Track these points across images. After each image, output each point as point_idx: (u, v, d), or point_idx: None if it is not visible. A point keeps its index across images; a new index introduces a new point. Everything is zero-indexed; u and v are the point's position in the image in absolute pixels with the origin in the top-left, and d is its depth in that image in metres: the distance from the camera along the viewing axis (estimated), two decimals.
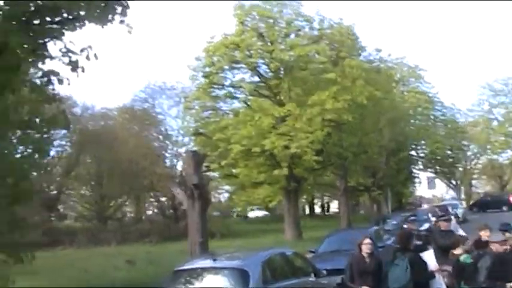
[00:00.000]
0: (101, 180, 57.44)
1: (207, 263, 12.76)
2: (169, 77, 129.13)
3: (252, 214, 76.71)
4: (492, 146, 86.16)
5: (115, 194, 59.02)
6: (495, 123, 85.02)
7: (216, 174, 42.93)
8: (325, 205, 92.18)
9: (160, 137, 63.62)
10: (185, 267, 13.22)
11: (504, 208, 59.55)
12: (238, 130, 35.69)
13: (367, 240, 12.42)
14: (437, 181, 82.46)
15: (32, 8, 13.53)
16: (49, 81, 15.03)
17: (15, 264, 14.34)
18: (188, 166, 27.91)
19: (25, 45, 13.06)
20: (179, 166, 61.37)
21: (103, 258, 32.08)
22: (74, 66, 15.58)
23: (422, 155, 72.25)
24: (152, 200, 66.26)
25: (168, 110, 63.23)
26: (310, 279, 13.77)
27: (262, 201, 46.38)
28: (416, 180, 74.74)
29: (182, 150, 60.40)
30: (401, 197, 69.67)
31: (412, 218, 17.77)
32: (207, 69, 38.18)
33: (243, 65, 38.20)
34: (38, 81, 15.03)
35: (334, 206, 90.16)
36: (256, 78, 38.97)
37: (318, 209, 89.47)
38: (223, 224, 51.20)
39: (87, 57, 13.59)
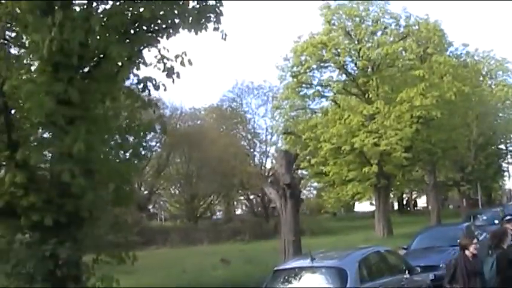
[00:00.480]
0: (191, 180, 58.50)
1: (305, 262, 13.24)
2: (257, 76, 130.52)
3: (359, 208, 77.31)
4: None
5: (205, 193, 60.00)
6: None
7: (305, 172, 43.58)
8: (413, 201, 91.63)
9: (249, 135, 64.49)
10: (284, 266, 13.89)
11: None
12: (327, 128, 36.19)
13: (475, 241, 12.08)
14: None
15: (129, 18, 14.41)
16: (145, 88, 15.84)
17: (118, 265, 15.06)
18: (280, 166, 28.57)
19: (123, 54, 13.90)
20: (268, 164, 62.46)
21: (198, 257, 32.43)
22: (170, 72, 16.40)
23: (511, 148, 71.09)
24: (241, 198, 67.29)
25: (256, 109, 64.21)
26: (405, 276, 14.05)
27: (351, 198, 46.76)
28: (506, 174, 73.71)
29: (270, 149, 61.44)
30: (491, 191, 68.73)
31: (509, 217, 15.79)
32: (295, 68, 38.86)
33: (331, 64, 38.72)
34: (134, 88, 15.89)
35: (421, 202, 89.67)
36: (344, 77, 39.35)
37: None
38: (313, 221, 51.61)
39: (182, 63, 14.26)
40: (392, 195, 70.11)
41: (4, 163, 14.07)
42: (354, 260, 12.87)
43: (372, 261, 13.52)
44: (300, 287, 12.64)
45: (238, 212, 71.29)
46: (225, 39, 14.90)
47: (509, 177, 75.50)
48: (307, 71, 39.10)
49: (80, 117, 13.85)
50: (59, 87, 12.99)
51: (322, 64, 38.86)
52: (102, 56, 13.95)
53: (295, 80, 38.99)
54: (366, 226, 43.42)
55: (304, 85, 39.82)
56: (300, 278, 12.90)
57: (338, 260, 13.37)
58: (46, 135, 14.74)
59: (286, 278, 13.08)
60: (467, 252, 11.81)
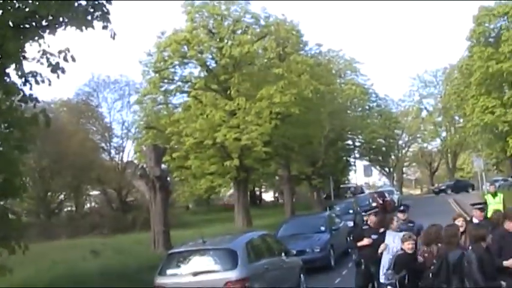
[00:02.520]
0: (44, 174, 57.17)
1: (198, 245, 14.38)
2: (113, 71, 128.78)
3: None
4: (422, 134, 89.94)
5: (59, 188, 59.03)
6: (425, 113, 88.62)
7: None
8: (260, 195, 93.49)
9: (105, 130, 64.18)
10: (179, 249, 14.82)
11: (470, 190, 65.33)
12: (190, 123, 36.85)
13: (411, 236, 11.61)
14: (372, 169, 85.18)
15: (24, 13, 14.66)
16: (26, 82, 16.16)
17: (9, 255, 15.31)
18: (149, 159, 29.31)
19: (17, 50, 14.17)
20: (124, 158, 62.46)
21: (62, 250, 30.96)
22: (55, 67, 16.80)
23: (358, 144, 74.70)
24: (96, 193, 66.62)
25: (112, 103, 63.96)
26: (283, 257, 15.75)
27: (204, 193, 47.71)
28: (353, 168, 77.41)
29: (127, 143, 61.51)
30: (340, 184, 72.11)
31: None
32: (158, 64, 39.08)
33: (193, 61, 39.33)
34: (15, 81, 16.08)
35: (268, 196, 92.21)
36: (205, 73, 40.08)
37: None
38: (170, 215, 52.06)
39: (65, 59, 14.70)
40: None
41: None
42: (242, 242, 14.15)
43: (256, 244, 14.70)
44: (193, 269, 13.47)
45: (87, 206, 70.09)
46: (113, 39, 15.29)
47: (355, 171, 79.50)
48: (169, 66, 39.59)
49: None
50: None
51: (184, 60, 39.39)
52: None
53: (157, 75, 39.36)
54: (223, 219, 44.48)
55: (166, 80, 40.21)
56: (193, 260, 13.75)
57: (228, 242, 14.48)
58: None
59: (181, 260, 13.93)
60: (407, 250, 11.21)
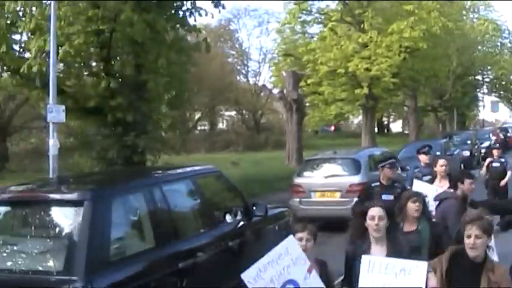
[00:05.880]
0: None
1: (330, 154, 18.11)
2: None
3: None
4: None
5: (196, 108, 61.97)
6: None
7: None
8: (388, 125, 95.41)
9: (238, 54, 67.82)
10: (314, 157, 18.56)
11: None
12: (325, 53, 39.71)
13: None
14: (501, 106, 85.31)
15: None
16: (191, 14, 19.99)
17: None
18: (288, 84, 33.07)
19: None
20: (260, 82, 66.12)
21: (202, 163, 35.52)
22: (217, 4, 20.69)
23: (487, 80, 75.15)
24: (228, 113, 70.54)
25: (252, 29, 67.20)
26: (399, 172, 18.91)
27: (333, 118, 50.55)
28: (481, 103, 78.07)
29: (263, 68, 65.02)
30: (465, 118, 73.22)
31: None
32: None
33: None
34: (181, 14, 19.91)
35: (397, 126, 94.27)
36: (342, 7, 42.65)
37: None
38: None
39: None
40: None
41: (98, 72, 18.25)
42: (365, 154, 17.62)
43: (376, 156, 18.00)
44: (325, 173, 17.15)
45: (220, 126, 74.05)
46: None
47: (483, 107, 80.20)
48: None
49: (153, 39, 17.97)
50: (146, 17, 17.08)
51: None
52: None
53: (297, 6, 42.54)
54: (350, 144, 47.13)
55: (304, 12, 43.25)
56: (325, 166, 17.46)
57: (354, 153, 18.07)
58: None
59: (315, 165, 17.64)
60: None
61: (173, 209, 7.60)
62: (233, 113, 69.46)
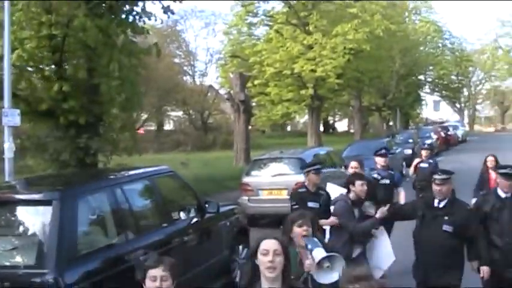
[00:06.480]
0: None
1: (276, 154, 18.93)
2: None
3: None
4: (497, 73, 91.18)
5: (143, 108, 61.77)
6: (500, 52, 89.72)
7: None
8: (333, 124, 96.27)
9: (183, 54, 68.22)
10: (262, 157, 19.32)
11: None
12: (271, 54, 40.28)
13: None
14: (443, 105, 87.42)
15: None
16: (140, 18, 20.53)
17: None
18: (235, 85, 33.73)
19: None
20: (207, 82, 66.56)
21: (152, 163, 35.67)
22: (166, 10, 21.24)
23: (429, 79, 77.00)
24: (174, 114, 70.60)
25: (199, 31, 67.42)
26: (342, 170, 19.60)
27: (280, 118, 51.25)
28: (423, 102, 79.84)
29: (210, 68, 65.46)
30: (409, 117, 74.72)
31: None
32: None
33: None
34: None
35: (342, 125, 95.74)
36: (288, 9, 43.00)
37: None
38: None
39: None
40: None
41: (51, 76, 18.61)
42: (310, 154, 18.44)
43: (322, 157, 18.90)
44: (272, 172, 18.02)
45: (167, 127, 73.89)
46: None
47: (426, 105, 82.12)
48: (255, 1, 43.37)
49: (105, 43, 18.43)
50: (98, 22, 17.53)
51: None
52: None
53: (243, 9, 43.27)
54: (296, 143, 47.80)
55: (251, 14, 44.03)
56: (272, 165, 18.27)
57: (299, 153, 19.02)
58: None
59: (262, 165, 18.44)
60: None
61: (133, 207, 8.35)
62: (180, 113, 69.58)
